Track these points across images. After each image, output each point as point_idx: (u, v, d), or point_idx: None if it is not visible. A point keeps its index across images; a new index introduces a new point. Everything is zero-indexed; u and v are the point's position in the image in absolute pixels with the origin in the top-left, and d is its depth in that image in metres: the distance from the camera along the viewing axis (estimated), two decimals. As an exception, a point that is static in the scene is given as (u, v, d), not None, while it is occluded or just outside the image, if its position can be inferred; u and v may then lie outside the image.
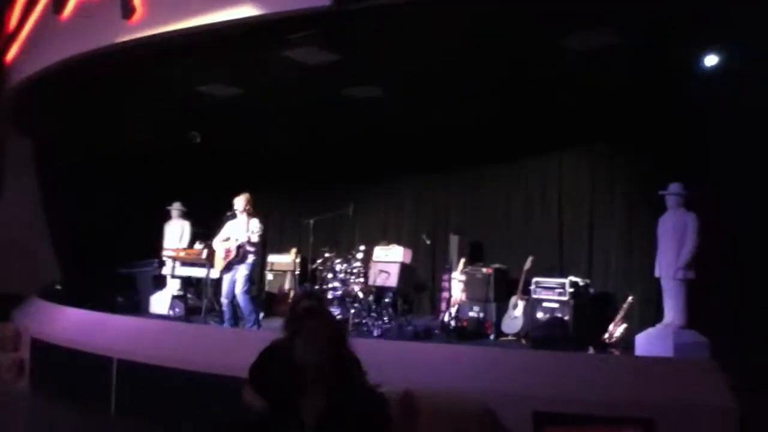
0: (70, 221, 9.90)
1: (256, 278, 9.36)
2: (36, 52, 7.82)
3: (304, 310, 3.47)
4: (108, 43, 6.71)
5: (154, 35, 6.33)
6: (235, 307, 7.66)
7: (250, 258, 7.69)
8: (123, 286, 9.71)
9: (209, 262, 8.10)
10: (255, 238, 7.64)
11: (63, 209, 9.97)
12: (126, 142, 9.91)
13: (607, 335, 6.94)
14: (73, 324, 7.95)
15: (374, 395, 3.09)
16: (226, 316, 7.72)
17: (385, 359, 6.04)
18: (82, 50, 6.96)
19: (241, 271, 7.63)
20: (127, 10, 6.45)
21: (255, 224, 7.72)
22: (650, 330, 6.40)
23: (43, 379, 8.08)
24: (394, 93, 8.03)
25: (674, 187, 6.39)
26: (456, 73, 7.17)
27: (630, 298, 7.04)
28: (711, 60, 6.15)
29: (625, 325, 6.93)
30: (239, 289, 7.59)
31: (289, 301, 8.94)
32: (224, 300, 7.72)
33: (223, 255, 7.73)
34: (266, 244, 10.55)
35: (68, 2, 7.28)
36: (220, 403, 6.06)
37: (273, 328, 7.96)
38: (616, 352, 6.69)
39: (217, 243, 7.83)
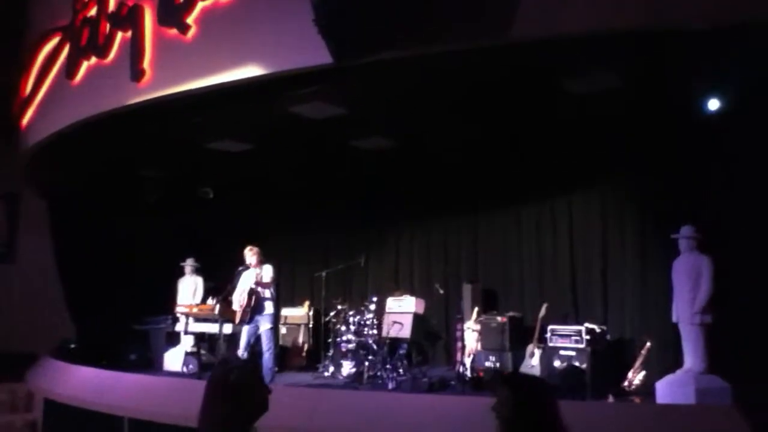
0: (84, 280, 9.95)
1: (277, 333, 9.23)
2: (49, 116, 8.01)
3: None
4: (119, 105, 6.86)
5: (162, 96, 6.47)
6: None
7: (270, 308, 7.61)
8: (136, 343, 9.69)
9: (222, 318, 8.06)
10: (266, 279, 7.59)
11: (76, 267, 10.04)
12: (139, 200, 10.04)
13: (626, 383, 6.77)
14: (84, 383, 7.92)
15: None
16: None
17: (401, 413, 5.96)
18: (93, 112, 7.12)
19: (264, 325, 7.55)
20: (137, 73, 6.61)
21: (267, 269, 7.70)
22: (670, 376, 6.23)
23: (55, 440, 8.02)
24: (402, 143, 8.11)
25: (686, 230, 6.29)
26: (461, 121, 7.24)
27: (648, 344, 6.89)
28: (714, 104, 6.15)
29: (644, 372, 6.76)
30: (265, 347, 7.50)
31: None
32: (242, 353, 7.61)
33: (239, 306, 7.68)
34: (279, 297, 10.54)
35: (80, 67, 7.47)
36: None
37: (287, 384, 7.95)
38: (637, 400, 6.52)
39: (236, 297, 7.78)
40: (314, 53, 5.27)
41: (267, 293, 7.63)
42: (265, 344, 7.52)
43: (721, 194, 6.72)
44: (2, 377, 8.79)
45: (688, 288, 6.13)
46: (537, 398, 2.71)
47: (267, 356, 7.52)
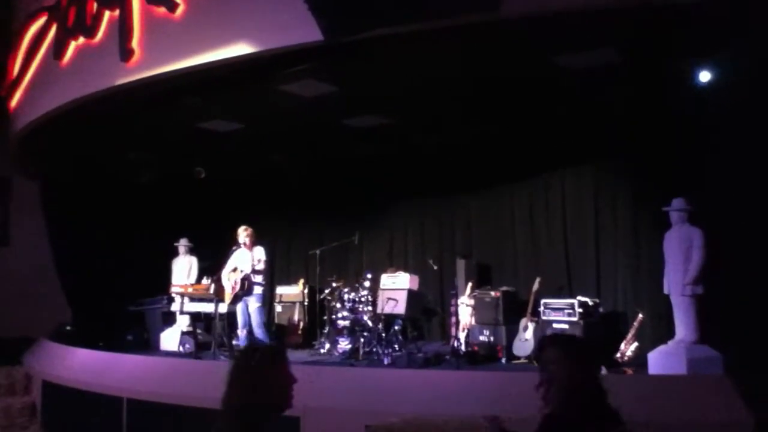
0: (78, 262, 9.95)
1: (267, 309, 9.34)
2: (38, 97, 7.92)
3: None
4: (108, 85, 6.80)
5: (152, 76, 6.41)
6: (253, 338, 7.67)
7: (258, 289, 7.69)
8: (133, 324, 9.72)
9: (217, 297, 8.12)
10: (260, 266, 7.65)
11: (70, 250, 10.02)
12: (131, 181, 10.01)
13: (618, 354, 6.86)
14: (82, 365, 7.96)
15: None
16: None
17: (397, 388, 6.02)
18: (83, 93, 7.05)
19: (253, 304, 7.62)
20: (126, 53, 6.54)
21: (259, 252, 7.73)
22: (662, 347, 6.31)
23: (54, 421, 8.07)
24: (394, 120, 8.08)
25: (677, 203, 6.35)
26: (454, 97, 7.21)
27: (640, 316, 6.97)
28: (705, 76, 6.14)
29: (636, 344, 6.85)
30: (255, 323, 7.59)
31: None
32: (241, 331, 7.70)
33: (230, 288, 7.75)
34: (274, 275, 10.58)
35: (68, 47, 7.39)
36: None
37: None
38: (629, 371, 6.61)
39: (225, 275, 7.84)
40: (305, 30, 5.23)
41: (258, 278, 7.69)
42: (256, 321, 7.59)
43: (711, 166, 6.75)
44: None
45: (680, 260, 6.19)
46: (587, 357, 2.72)
47: (259, 332, 7.60)
